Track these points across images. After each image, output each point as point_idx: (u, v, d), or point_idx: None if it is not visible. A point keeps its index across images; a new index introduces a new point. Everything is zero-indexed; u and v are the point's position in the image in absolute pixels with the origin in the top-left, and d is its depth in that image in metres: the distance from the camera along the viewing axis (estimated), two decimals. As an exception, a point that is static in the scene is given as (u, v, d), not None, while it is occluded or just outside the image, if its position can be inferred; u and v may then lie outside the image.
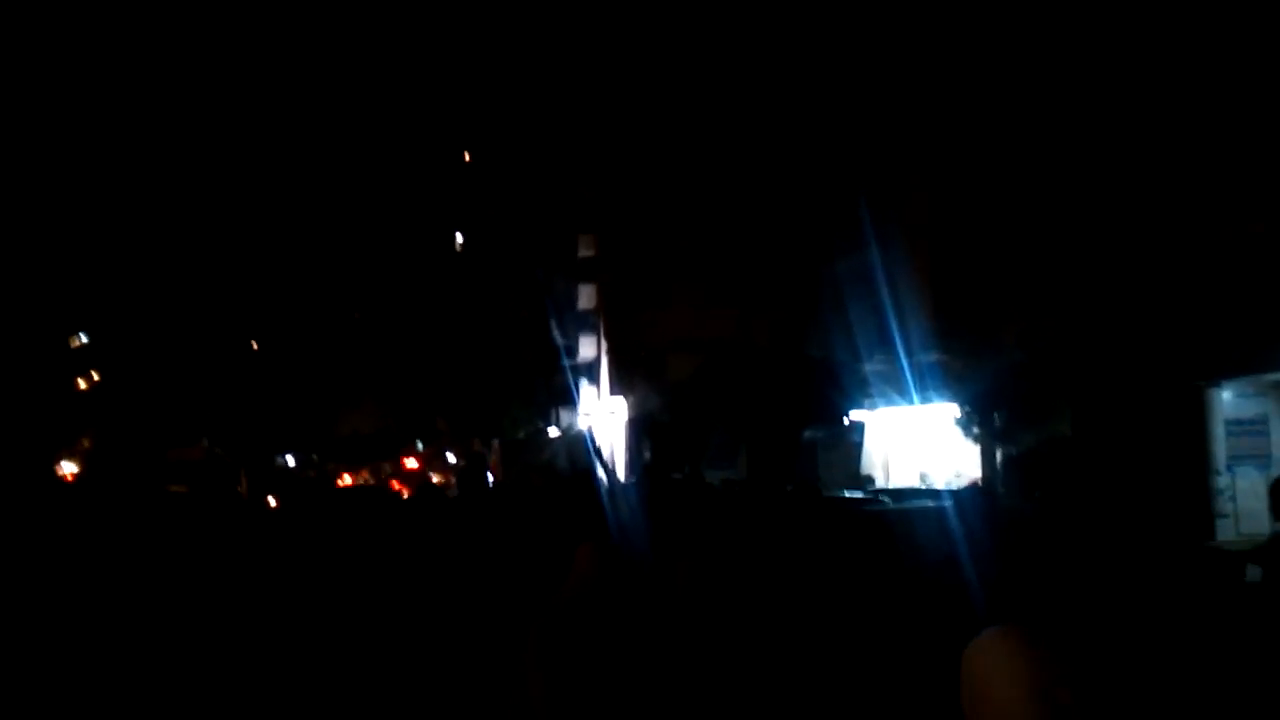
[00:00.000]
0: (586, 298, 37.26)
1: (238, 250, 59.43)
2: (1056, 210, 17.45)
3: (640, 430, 31.89)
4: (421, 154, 55.99)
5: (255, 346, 64.05)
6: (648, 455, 29.26)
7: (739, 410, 20.23)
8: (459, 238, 55.10)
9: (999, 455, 19.05)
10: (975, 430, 18.71)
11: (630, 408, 32.50)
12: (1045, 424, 16.96)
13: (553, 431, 40.79)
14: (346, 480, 35.67)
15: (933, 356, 19.36)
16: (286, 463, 53.26)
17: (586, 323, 37.57)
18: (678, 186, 28.11)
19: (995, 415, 18.81)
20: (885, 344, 20.75)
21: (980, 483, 18.62)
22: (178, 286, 57.71)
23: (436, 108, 53.67)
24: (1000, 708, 1.59)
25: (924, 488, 16.77)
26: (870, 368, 21.44)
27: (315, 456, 40.76)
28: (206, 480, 25.69)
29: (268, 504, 21.82)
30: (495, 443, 40.29)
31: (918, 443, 21.06)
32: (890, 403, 20.84)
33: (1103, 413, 15.85)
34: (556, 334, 40.55)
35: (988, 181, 18.61)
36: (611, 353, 34.09)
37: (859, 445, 22.54)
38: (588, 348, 37.70)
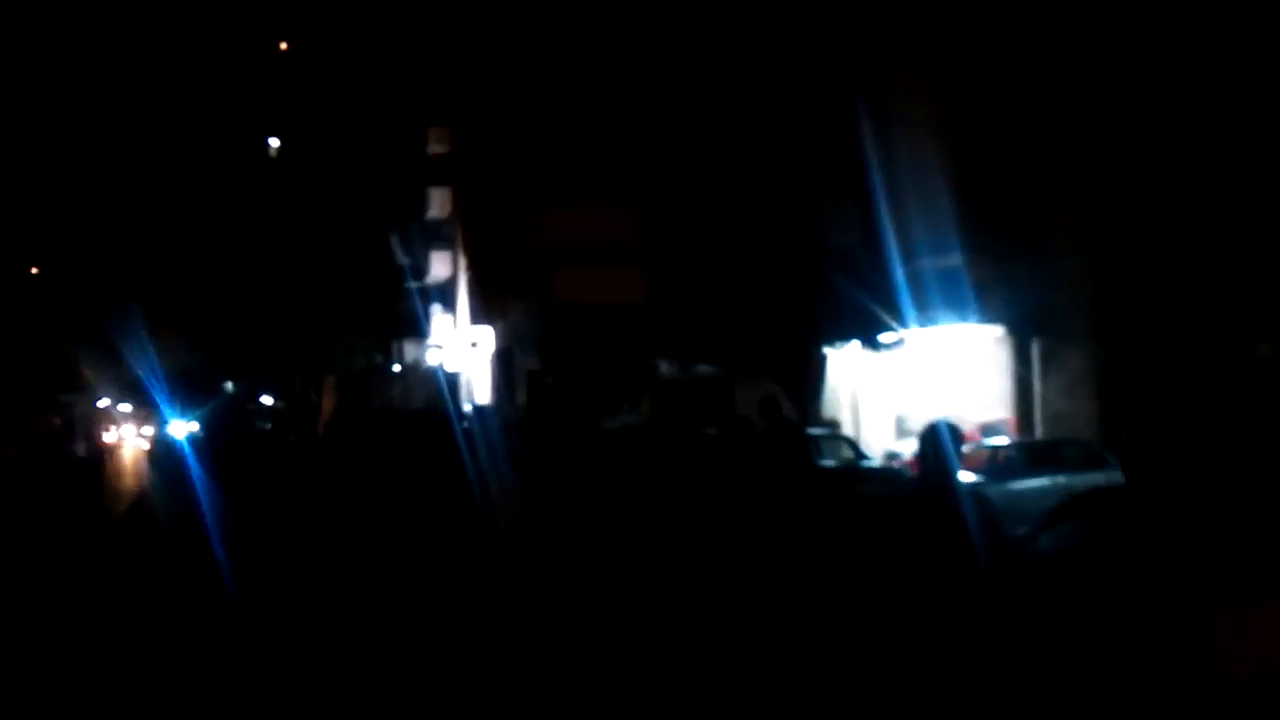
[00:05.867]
0: (438, 204, 30.80)
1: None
2: (1134, 59, 12.29)
3: (508, 364, 25.98)
4: (228, 42, 47.72)
5: (34, 270, 55.65)
6: (523, 398, 23.41)
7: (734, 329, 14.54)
8: (274, 142, 47.38)
9: (1038, 390, 14.10)
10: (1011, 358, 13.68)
11: (498, 336, 26.44)
12: (1129, 354, 11.94)
13: (397, 368, 34.44)
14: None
15: (949, 261, 14.12)
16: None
17: (438, 235, 31.13)
18: (558, 50, 21.75)
19: (1038, 339, 13.79)
20: (872, 246, 15.38)
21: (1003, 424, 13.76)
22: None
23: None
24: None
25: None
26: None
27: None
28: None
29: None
30: (329, 380, 33.74)
31: (910, 376, 15.90)
32: (874, 327, 15.56)
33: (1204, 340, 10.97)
34: (399, 250, 34.08)
35: (1034, 18, 13.26)
36: (473, 269, 27.83)
37: (820, 379, 17.27)
38: (441, 265, 31.33)
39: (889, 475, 10.41)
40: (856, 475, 10.00)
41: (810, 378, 17.22)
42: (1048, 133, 13.33)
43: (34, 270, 55.63)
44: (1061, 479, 10.63)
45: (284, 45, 46.30)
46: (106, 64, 48.80)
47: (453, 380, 27.81)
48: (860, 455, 11.78)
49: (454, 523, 4.41)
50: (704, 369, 19.68)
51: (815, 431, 12.00)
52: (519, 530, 3.90)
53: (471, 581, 3.93)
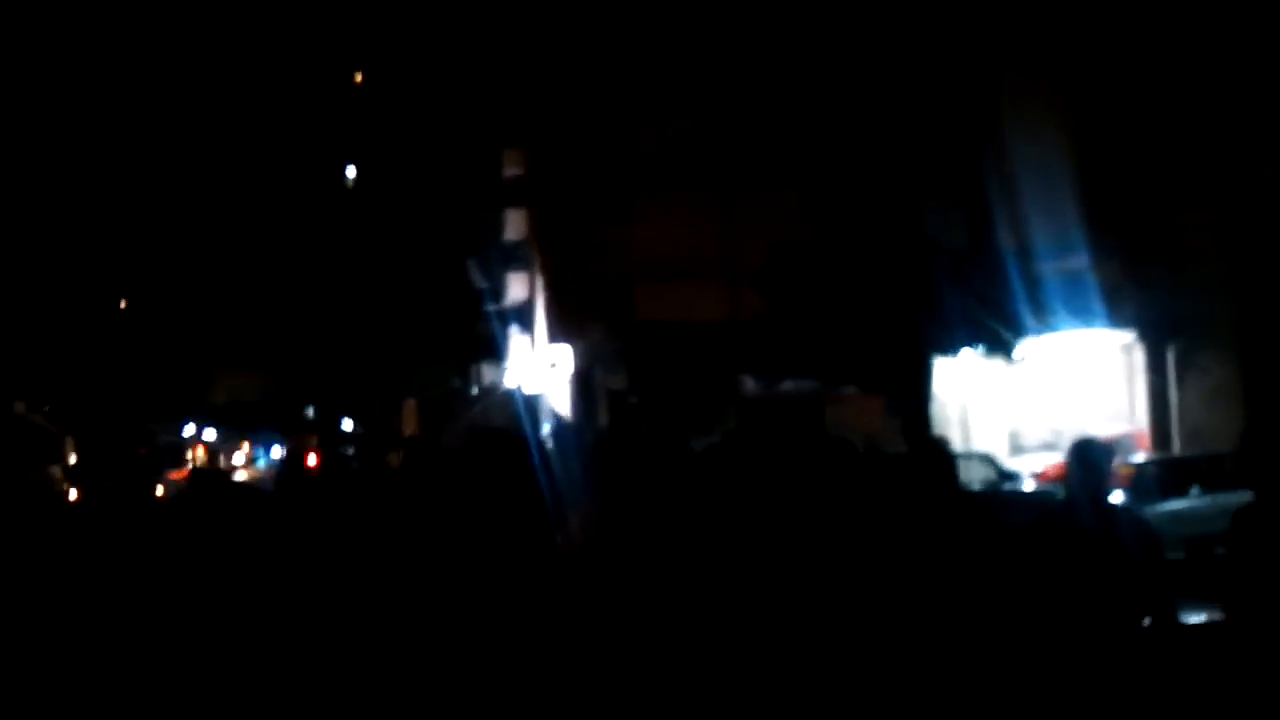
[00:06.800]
0: (514, 227, 30.40)
1: (96, 193, 51.44)
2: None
3: (588, 384, 25.30)
4: (306, 76, 48.40)
5: (123, 304, 56.95)
6: (604, 419, 22.66)
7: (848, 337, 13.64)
8: (351, 171, 47.83)
9: (1175, 400, 12.84)
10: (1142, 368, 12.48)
11: (578, 357, 25.78)
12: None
13: (475, 391, 34.11)
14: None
15: (1073, 263, 12.97)
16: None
17: (515, 257, 30.70)
18: (632, 56, 21.01)
19: (1174, 344, 12.56)
20: (983, 248, 14.30)
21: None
22: (15, 226, 49.45)
23: (322, 25, 46.07)
24: None
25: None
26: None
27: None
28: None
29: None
30: (410, 403, 33.56)
31: (1025, 387, 14.73)
32: (988, 336, 14.46)
33: None
34: (476, 274, 33.82)
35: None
36: (550, 289, 27.26)
37: (926, 392, 16.12)
38: (518, 287, 30.89)
39: (1041, 500, 9.37)
40: (1005, 502, 8.99)
41: (917, 391, 16.12)
42: (1182, 120, 12.14)
43: (123, 303, 56.92)
44: (1223, 498, 9.45)
45: (359, 76, 46.74)
46: (186, 98, 49.77)
47: (532, 402, 27.24)
48: (1004, 476, 10.75)
49: (529, 546, 4.12)
50: (790, 385, 18.72)
51: (958, 452, 10.99)
52: (600, 555, 3.62)
53: (546, 608, 3.73)
